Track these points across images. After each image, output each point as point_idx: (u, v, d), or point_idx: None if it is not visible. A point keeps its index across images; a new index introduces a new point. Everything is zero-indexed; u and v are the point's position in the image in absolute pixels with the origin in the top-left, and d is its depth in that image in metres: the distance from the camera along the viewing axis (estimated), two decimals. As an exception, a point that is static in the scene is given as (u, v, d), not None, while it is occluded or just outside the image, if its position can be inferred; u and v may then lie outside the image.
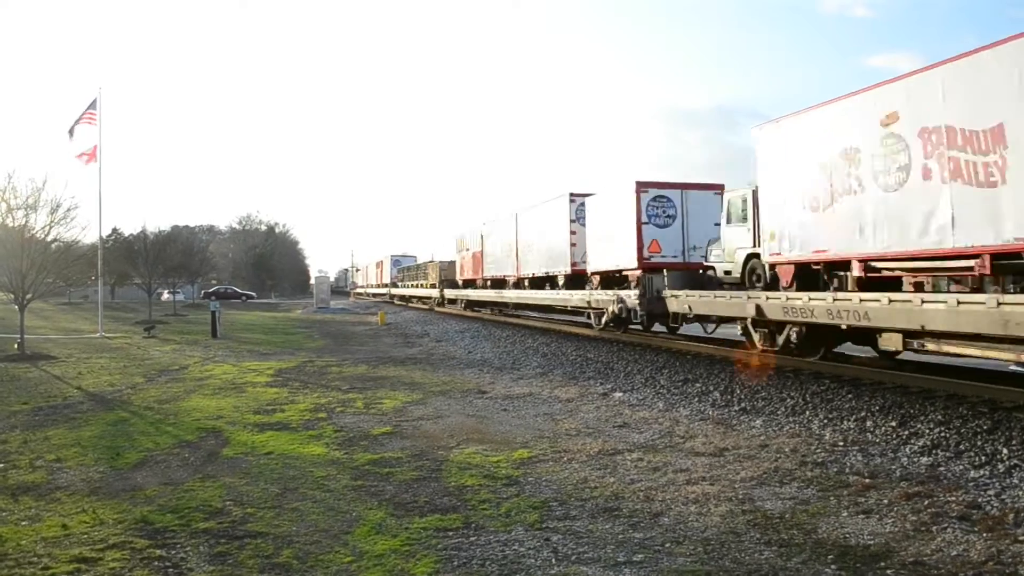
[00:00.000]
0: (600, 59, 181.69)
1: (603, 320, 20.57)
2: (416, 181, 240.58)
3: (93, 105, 27.08)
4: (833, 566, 5.07)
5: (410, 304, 53.49)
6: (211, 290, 71.33)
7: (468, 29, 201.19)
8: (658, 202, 19.41)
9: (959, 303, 9.35)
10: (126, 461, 8.43)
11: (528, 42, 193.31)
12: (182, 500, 6.84)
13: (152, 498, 6.92)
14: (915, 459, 7.78)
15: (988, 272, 9.57)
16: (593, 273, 22.05)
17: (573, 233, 23.56)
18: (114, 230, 60.96)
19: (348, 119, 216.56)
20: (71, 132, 26.46)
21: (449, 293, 40.59)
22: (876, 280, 11.74)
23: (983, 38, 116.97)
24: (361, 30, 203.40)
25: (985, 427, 8.49)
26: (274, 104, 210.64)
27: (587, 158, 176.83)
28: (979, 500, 6.35)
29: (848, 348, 13.73)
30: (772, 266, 14.11)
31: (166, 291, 55.87)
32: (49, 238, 22.75)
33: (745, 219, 15.41)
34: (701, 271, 18.12)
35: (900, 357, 12.17)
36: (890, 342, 11.27)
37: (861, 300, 11.14)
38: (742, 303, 14.03)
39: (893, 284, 11.50)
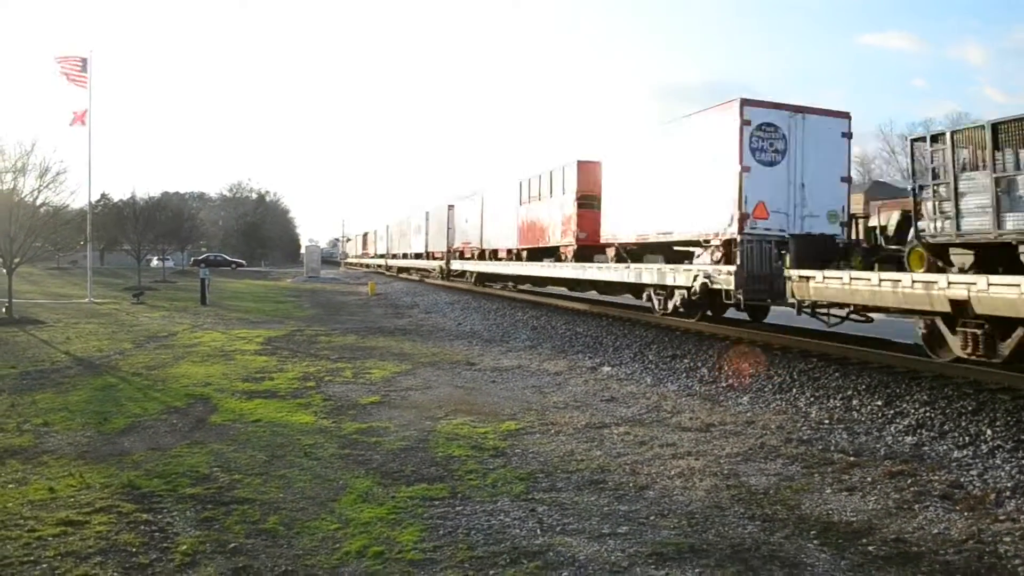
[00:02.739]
0: (591, 33, 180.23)
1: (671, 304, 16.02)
2: (408, 154, 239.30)
3: (84, 67, 26.73)
4: (815, 541, 5.12)
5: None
6: (200, 257, 70.98)
7: (461, 3, 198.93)
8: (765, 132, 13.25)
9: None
10: (113, 426, 8.42)
11: (521, 15, 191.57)
12: (169, 466, 6.84)
13: (139, 463, 6.92)
14: (900, 438, 7.85)
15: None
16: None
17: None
18: (103, 195, 60.87)
19: (341, 90, 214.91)
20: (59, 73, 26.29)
21: None
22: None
23: (980, 18, 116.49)
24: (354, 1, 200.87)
25: (970, 408, 8.57)
26: (268, 73, 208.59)
27: (581, 131, 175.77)
28: (961, 480, 6.42)
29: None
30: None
31: (155, 257, 55.61)
32: (38, 202, 22.55)
33: None
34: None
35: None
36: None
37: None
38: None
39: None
